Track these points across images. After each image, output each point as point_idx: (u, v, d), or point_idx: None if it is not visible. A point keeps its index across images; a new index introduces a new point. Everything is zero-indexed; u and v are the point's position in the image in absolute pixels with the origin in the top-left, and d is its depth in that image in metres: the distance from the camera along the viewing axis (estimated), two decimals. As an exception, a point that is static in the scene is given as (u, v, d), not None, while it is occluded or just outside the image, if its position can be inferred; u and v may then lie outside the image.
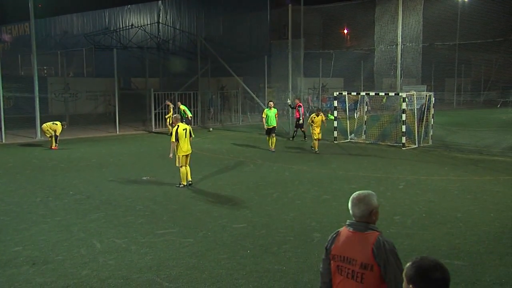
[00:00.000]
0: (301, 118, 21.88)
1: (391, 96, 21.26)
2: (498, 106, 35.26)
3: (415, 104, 20.04)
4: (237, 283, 6.63)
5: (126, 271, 7.03)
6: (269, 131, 18.70)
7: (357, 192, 3.73)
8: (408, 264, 2.87)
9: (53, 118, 21.33)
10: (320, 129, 18.51)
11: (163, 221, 9.54)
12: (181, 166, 12.36)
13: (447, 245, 8.11)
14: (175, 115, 13.48)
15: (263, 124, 18.90)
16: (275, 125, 18.73)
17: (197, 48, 32.19)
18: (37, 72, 23.44)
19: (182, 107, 23.37)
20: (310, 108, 36.36)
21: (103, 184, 12.93)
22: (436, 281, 2.78)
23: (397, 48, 21.50)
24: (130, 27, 47.90)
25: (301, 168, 15.12)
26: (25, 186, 12.69)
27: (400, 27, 21.21)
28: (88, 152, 18.63)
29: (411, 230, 8.91)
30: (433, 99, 20.87)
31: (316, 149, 18.36)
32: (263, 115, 19.04)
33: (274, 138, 18.73)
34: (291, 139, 22.42)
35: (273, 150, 18.50)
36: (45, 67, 42.77)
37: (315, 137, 18.35)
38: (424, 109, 20.57)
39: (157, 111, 26.89)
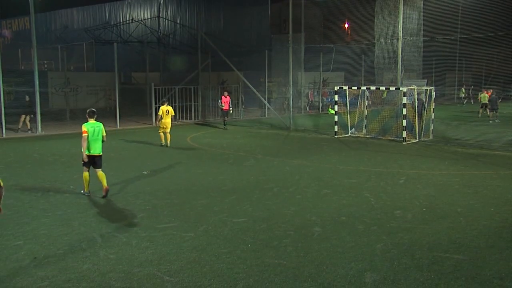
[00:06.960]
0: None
1: (392, 90, 21.24)
2: (500, 100, 35.17)
3: (416, 99, 19.99)
4: (238, 277, 6.65)
5: (127, 265, 7.05)
6: (90, 163, 10.58)
7: None
8: None
9: (53, 113, 21.32)
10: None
11: (163, 215, 9.56)
12: None
13: (447, 239, 8.12)
14: None
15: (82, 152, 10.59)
16: (100, 153, 10.63)
17: (198, 42, 32.10)
18: (38, 67, 23.35)
19: None
20: (311, 102, 36.37)
21: (103, 178, 12.93)
22: None
23: (397, 42, 21.45)
24: (130, 21, 47.90)
25: (301, 163, 15.12)
26: (26, 180, 12.71)
27: (401, 21, 21.12)
28: (88, 147, 18.60)
29: (411, 224, 8.92)
30: (433, 93, 20.84)
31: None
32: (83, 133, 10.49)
33: (104, 179, 10.60)
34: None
35: (104, 193, 10.50)
36: (45, 62, 42.79)
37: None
38: (425, 103, 20.56)
39: (157, 105, 26.86)
